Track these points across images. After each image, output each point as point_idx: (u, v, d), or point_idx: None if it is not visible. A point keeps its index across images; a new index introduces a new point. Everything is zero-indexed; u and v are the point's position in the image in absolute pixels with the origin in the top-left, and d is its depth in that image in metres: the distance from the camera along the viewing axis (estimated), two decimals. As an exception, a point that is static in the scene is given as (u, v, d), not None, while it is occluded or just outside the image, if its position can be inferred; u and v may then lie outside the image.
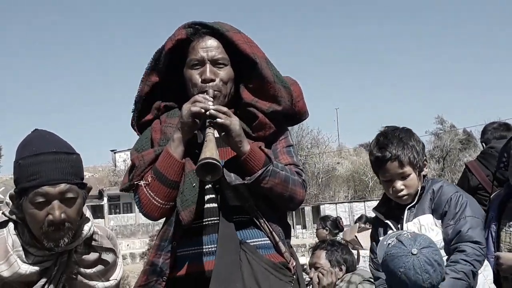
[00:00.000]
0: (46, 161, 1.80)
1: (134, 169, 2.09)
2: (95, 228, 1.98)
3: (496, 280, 2.66)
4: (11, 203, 1.87)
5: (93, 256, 1.99)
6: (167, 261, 2.06)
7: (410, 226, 2.60)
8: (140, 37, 69.87)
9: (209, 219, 2.06)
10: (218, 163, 1.84)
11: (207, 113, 1.97)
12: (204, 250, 2.05)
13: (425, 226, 2.60)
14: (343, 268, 3.50)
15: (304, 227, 38.33)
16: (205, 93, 2.05)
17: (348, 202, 38.80)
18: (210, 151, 1.87)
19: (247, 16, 70.89)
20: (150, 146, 2.15)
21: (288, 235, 2.18)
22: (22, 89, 68.93)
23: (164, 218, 2.13)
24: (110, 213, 42.01)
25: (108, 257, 2.02)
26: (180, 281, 2.06)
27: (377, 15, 71.46)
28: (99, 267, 2.00)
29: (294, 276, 2.09)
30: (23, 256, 1.83)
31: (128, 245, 33.11)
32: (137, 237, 35.90)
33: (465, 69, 68.81)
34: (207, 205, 2.06)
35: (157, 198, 2.03)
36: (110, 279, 2.05)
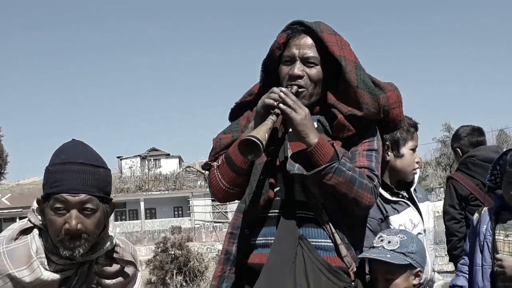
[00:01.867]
0: (71, 170, 1.85)
1: (211, 150, 2.21)
2: (117, 241, 2.02)
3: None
4: (37, 209, 1.91)
5: (114, 267, 2.02)
6: (239, 249, 2.13)
7: None
8: (149, 43, 70.20)
9: (274, 211, 2.09)
10: (258, 142, 1.84)
11: (277, 102, 2.00)
12: (265, 241, 2.09)
13: None
14: None
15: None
16: (289, 88, 2.07)
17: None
18: (257, 131, 1.90)
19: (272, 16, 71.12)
20: (237, 130, 2.21)
21: (358, 241, 2.16)
22: (29, 96, 69.36)
23: (237, 206, 2.20)
24: (116, 219, 41.99)
25: (128, 269, 2.05)
26: (250, 269, 2.11)
27: (383, 20, 71.55)
28: (119, 278, 2.03)
29: (353, 283, 2.07)
30: (46, 263, 1.87)
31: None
32: (143, 244, 35.86)
33: (472, 76, 68.79)
34: (275, 197, 2.09)
35: (223, 181, 2.12)
36: None
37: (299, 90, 2.09)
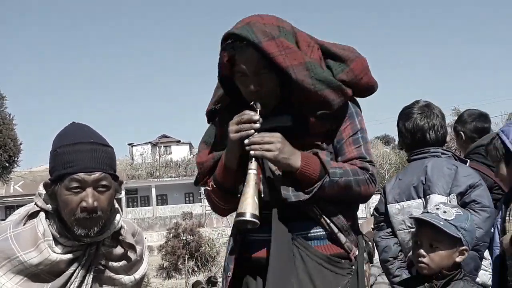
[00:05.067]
0: (83, 150, 1.88)
1: (198, 175, 2.24)
2: (122, 223, 2.04)
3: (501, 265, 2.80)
4: (43, 193, 1.93)
5: (119, 250, 2.04)
6: (238, 243, 2.15)
7: None
8: (161, 29, 70.17)
9: (265, 211, 2.02)
10: (254, 220, 1.87)
11: (246, 147, 1.95)
12: (262, 238, 2.07)
13: None
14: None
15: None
16: (254, 105, 2.00)
17: (364, 195, 38.68)
18: (247, 202, 1.89)
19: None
20: (214, 138, 2.21)
21: (357, 224, 2.16)
22: (42, 84, 69.75)
23: None
24: (127, 206, 42.30)
25: (131, 252, 2.07)
26: (249, 262, 2.12)
27: (387, 9, 70.93)
28: (125, 261, 2.06)
29: (353, 267, 2.07)
30: (53, 245, 1.89)
31: (145, 238, 33.12)
32: (154, 230, 36.13)
33: (481, 59, 68.16)
34: (265, 198, 2.04)
35: (220, 202, 2.18)
36: (136, 273, 2.11)
37: (262, 102, 2.02)
